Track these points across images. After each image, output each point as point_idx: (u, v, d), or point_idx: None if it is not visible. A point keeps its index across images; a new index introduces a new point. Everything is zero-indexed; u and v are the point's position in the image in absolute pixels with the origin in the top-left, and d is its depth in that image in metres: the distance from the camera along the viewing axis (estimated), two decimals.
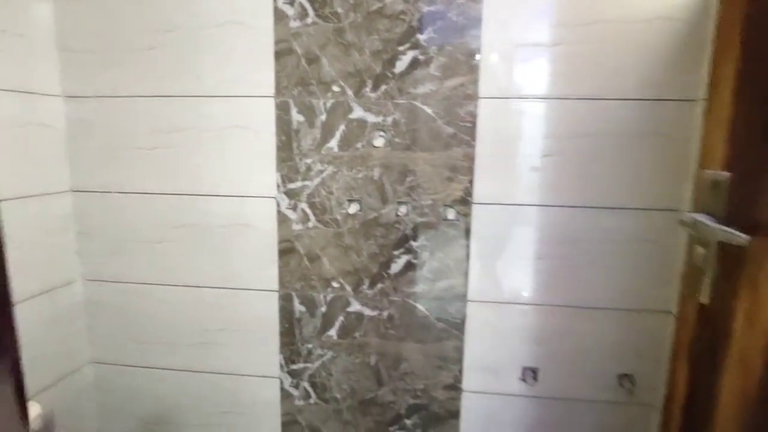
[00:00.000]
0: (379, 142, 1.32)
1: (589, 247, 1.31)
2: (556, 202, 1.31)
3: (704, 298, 0.72)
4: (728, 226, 0.66)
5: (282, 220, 1.39)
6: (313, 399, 1.49)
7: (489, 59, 1.26)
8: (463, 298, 1.38)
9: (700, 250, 0.72)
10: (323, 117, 1.33)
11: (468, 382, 1.43)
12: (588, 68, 1.24)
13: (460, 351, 1.41)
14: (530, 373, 1.40)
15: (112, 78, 1.38)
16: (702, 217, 0.69)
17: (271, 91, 1.33)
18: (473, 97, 1.28)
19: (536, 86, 1.27)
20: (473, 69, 1.27)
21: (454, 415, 1.45)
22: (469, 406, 1.44)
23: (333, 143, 1.34)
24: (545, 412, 1.41)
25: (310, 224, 1.39)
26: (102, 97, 1.40)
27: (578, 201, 1.30)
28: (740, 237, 0.62)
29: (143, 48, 1.35)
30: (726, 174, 0.69)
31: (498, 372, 1.41)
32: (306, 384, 1.48)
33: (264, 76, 1.33)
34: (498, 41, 1.25)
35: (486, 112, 1.29)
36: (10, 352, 0.52)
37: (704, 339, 0.73)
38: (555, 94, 1.26)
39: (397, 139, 1.32)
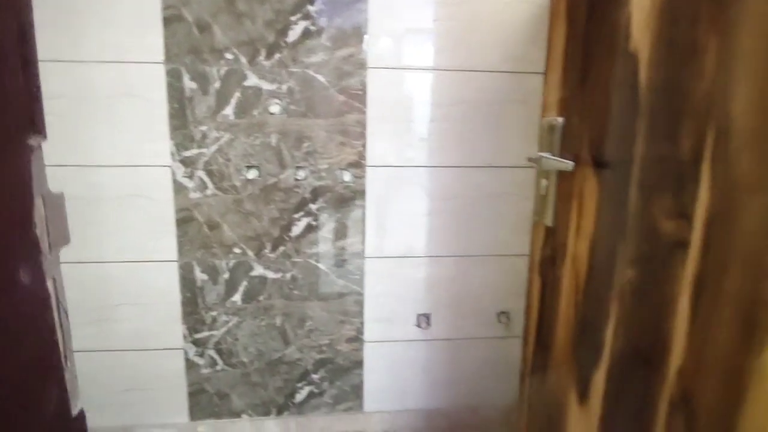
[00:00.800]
0: (275, 109, 1.37)
1: (468, 203, 1.49)
2: (440, 162, 1.46)
3: (548, 221, 0.90)
4: (561, 158, 0.83)
5: (178, 188, 1.39)
6: (220, 366, 1.52)
7: (375, 32, 1.37)
8: (361, 255, 1.49)
9: (544, 182, 0.89)
10: (217, 84, 1.35)
11: (369, 333, 1.55)
12: (461, 43, 1.40)
13: (360, 305, 1.52)
14: (424, 319, 1.55)
15: None
16: (544, 154, 0.86)
17: (161, 57, 1.32)
18: (362, 67, 1.38)
19: (418, 58, 1.40)
20: (361, 40, 1.37)
21: (358, 364, 1.56)
22: (371, 354, 1.56)
23: (228, 110, 1.36)
24: (438, 353, 1.58)
25: (209, 192, 1.40)
26: None
27: (458, 161, 1.47)
28: (568, 164, 0.79)
29: None
30: (560, 119, 0.86)
31: (395, 321, 1.55)
32: (212, 352, 1.50)
33: (152, 42, 1.31)
34: (383, 15, 1.36)
35: (374, 81, 1.39)
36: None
37: (549, 254, 0.91)
38: (434, 65, 1.41)
39: (292, 106, 1.38)
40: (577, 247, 0.81)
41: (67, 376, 1.09)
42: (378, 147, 1.43)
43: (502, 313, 1.58)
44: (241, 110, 1.36)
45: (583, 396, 0.81)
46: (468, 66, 1.42)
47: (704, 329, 0.57)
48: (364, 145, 1.42)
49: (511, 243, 1.53)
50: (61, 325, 1.05)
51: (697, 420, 0.57)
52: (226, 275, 1.46)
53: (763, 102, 0.50)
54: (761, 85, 0.50)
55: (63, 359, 1.07)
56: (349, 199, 1.45)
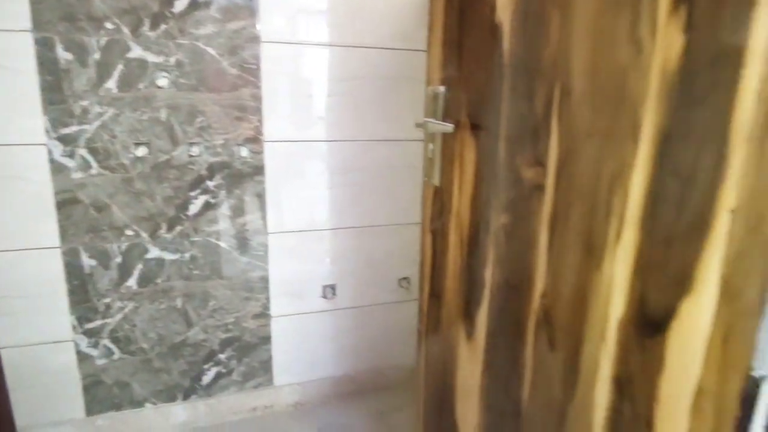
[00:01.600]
0: (162, 82, 1.32)
1: (367, 175, 1.56)
2: (339, 137, 1.51)
3: (435, 181, 0.98)
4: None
5: (57, 169, 1.29)
6: (117, 355, 1.44)
7: (267, 5, 1.37)
8: (263, 231, 1.50)
9: (431, 146, 0.98)
10: (97, 56, 1.26)
11: (276, 307, 1.56)
12: (354, 20, 1.45)
13: (265, 280, 1.53)
14: (330, 290, 1.60)
15: None
16: (429, 119, 0.94)
17: (28, 24, 1.20)
18: (255, 41, 1.38)
19: (312, 33, 1.42)
20: (253, 13, 1.36)
21: (266, 340, 1.57)
22: (279, 329, 1.58)
23: (111, 84, 1.28)
24: (344, 321, 1.65)
25: (93, 171, 1.32)
26: None
27: (356, 135, 1.52)
28: (449, 126, 0.88)
29: None
30: (442, 88, 0.95)
31: (301, 294, 1.58)
32: (107, 341, 1.43)
33: (17, 7, 1.19)
34: None
35: (269, 55, 1.39)
36: None
37: (438, 212, 1.00)
38: (329, 41, 1.44)
39: (182, 80, 1.33)
40: (461, 202, 0.91)
41: None
42: (276, 122, 1.44)
43: (403, 278, 1.68)
44: (126, 83, 1.29)
45: (470, 334, 0.92)
46: (361, 43, 1.47)
47: (558, 256, 0.68)
48: (260, 120, 1.42)
49: (408, 212, 1.63)
50: None
51: (555, 333, 0.69)
52: (119, 259, 1.39)
53: (593, 64, 0.61)
54: (591, 50, 0.61)
55: None
56: (247, 175, 1.45)
